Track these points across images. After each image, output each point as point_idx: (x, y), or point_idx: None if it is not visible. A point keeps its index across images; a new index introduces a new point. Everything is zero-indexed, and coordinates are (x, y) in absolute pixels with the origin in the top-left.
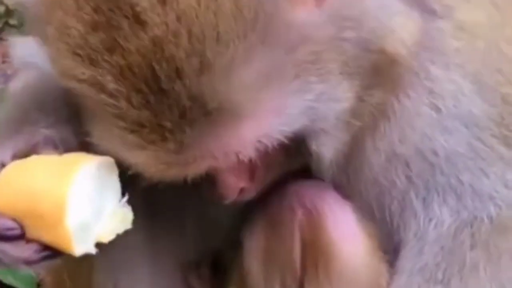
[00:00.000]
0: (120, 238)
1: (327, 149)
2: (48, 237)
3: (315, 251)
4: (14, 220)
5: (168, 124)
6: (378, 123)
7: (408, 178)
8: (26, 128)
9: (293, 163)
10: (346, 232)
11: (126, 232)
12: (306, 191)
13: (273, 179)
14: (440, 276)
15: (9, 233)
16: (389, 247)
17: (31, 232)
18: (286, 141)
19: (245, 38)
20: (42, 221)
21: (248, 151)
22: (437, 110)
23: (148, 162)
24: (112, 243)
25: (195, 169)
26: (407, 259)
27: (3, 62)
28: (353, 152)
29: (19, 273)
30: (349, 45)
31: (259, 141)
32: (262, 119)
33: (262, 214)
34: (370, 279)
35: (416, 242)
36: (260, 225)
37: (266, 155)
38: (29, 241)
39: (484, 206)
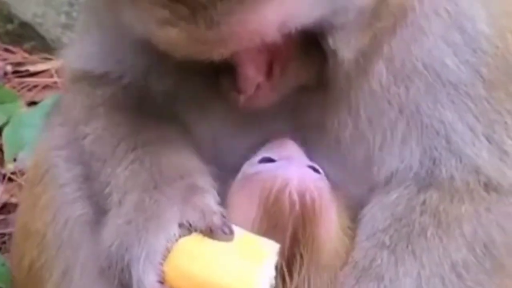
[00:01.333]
0: None
1: (345, 47)
2: None
3: (304, 240)
4: None
5: None
6: (396, 28)
7: (402, 103)
8: (197, 199)
9: (307, 74)
10: (331, 229)
11: None
12: (308, 185)
13: (284, 91)
14: (387, 241)
15: None
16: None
17: None
18: (308, 26)
19: None
20: None
21: (272, 33)
22: (449, 15)
23: (178, 39)
24: None
25: (222, 49)
26: (360, 225)
27: None
28: (366, 61)
29: None
30: None
31: (283, 24)
32: (287, 1)
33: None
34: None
35: (376, 204)
36: (252, 196)
37: (286, 48)
38: None
39: (448, 158)
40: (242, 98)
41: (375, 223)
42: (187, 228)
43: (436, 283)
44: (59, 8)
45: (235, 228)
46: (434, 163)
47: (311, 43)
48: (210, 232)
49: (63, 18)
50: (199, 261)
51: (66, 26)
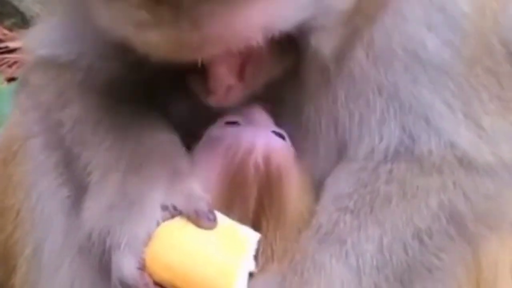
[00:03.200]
0: None
1: (325, 45)
2: None
3: (270, 204)
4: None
5: (183, 0)
6: (377, 15)
7: (380, 84)
8: (183, 184)
9: (279, 69)
10: (296, 193)
11: None
12: (274, 148)
13: (256, 89)
14: (351, 206)
15: None
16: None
17: None
18: (290, 30)
19: None
20: None
21: (256, 36)
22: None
23: (160, 41)
24: None
25: (204, 52)
26: (326, 188)
27: None
28: (345, 47)
29: None
30: None
31: (267, 27)
32: (272, 4)
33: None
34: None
35: (342, 171)
36: (217, 158)
37: (260, 49)
38: None
39: (428, 136)
40: (212, 99)
41: (339, 188)
42: (170, 212)
43: (398, 248)
44: None
45: (218, 216)
46: (413, 140)
47: (285, 41)
48: (195, 217)
49: None
50: (179, 250)
51: (45, 3)
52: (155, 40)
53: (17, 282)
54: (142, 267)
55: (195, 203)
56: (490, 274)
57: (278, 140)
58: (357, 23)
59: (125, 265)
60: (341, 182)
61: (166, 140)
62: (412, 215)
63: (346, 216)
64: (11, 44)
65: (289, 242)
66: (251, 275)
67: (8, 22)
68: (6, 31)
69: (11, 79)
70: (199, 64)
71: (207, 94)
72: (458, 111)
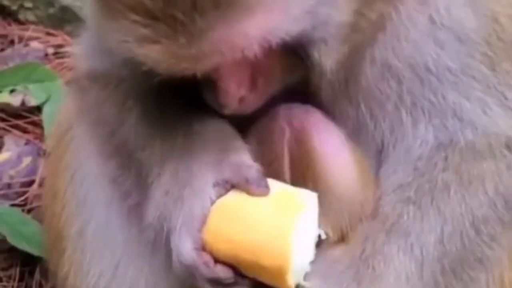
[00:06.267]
0: None
1: (327, 59)
2: (264, 279)
3: (303, 169)
4: (230, 266)
5: (180, 15)
6: (376, 35)
7: (399, 95)
8: (232, 157)
9: (292, 76)
10: (332, 149)
11: None
12: (295, 113)
13: (271, 94)
14: (412, 196)
15: (224, 281)
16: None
17: (246, 271)
18: (289, 40)
19: None
20: (263, 271)
21: (253, 47)
22: (431, 20)
23: (160, 56)
24: None
25: (204, 64)
26: (385, 178)
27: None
28: (352, 64)
29: (33, 238)
30: None
31: (264, 38)
32: (267, 16)
33: (253, 135)
34: (357, 195)
35: (398, 161)
36: (250, 143)
37: (268, 60)
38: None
39: (463, 130)
40: (226, 111)
41: (398, 177)
42: (222, 187)
43: (456, 238)
44: None
45: (271, 182)
46: (450, 135)
47: (292, 52)
48: (246, 186)
49: None
50: (235, 222)
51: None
52: (155, 55)
53: (64, 262)
54: (200, 247)
55: (245, 172)
56: None
57: (302, 106)
58: (355, 44)
59: (183, 246)
60: (398, 172)
61: (215, 124)
62: (471, 202)
63: (409, 207)
64: (71, 49)
65: (343, 220)
66: (320, 238)
67: (69, 28)
68: (67, 37)
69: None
70: (199, 77)
71: (220, 107)
72: (493, 106)
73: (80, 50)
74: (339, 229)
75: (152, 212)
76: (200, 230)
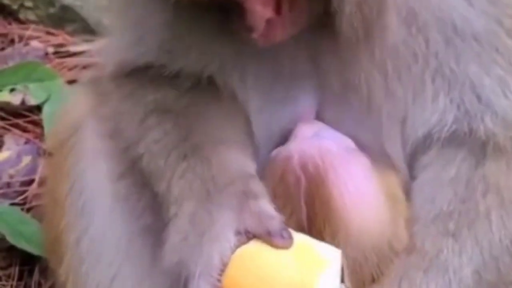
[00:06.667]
0: None
1: (347, 4)
2: None
3: (323, 221)
4: None
5: None
6: None
7: (425, 56)
8: (253, 205)
9: (317, 9)
10: (353, 188)
11: None
12: (309, 154)
13: (297, 28)
14: (452, 228)
15: None
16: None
17: None
18: None
19: None
20: None
21: None
22: None
23: None
24: None
25: None
26: (421, 206)
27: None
28: (375, 15)
29: (32, 237)
30: None
31: None
32: None
33: (268, 186)
34: (385, 232)
35: (434, 182)
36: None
37: None
38: None
39: (482, 114)
40: (255, 37)
41: (436, 203)
42: (245, 236)
43: (492, 267)
44: None
45: (294, 234)
46: (469, 118)
47: None
48: (268, 237)
49: (104, 1)
50: (256, 274)
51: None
52: None
53: (64, 268)
54: None
55: (267, 223)
56: None
57: (316, 141)
58: None
59: None
60: (436, 196)
61: (236, 158)
62: (509, 225)
63: (448, 240)
64: (72, 49)
65: (372, 267)
66: None
67: (69, 28)
68: (67, 37)
69: (71, 82)
70: (233, 5)
71: (249, 32)
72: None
73: (108, 44)
74: (365, 278)
75: (170, 257)
76: (219, 279)
